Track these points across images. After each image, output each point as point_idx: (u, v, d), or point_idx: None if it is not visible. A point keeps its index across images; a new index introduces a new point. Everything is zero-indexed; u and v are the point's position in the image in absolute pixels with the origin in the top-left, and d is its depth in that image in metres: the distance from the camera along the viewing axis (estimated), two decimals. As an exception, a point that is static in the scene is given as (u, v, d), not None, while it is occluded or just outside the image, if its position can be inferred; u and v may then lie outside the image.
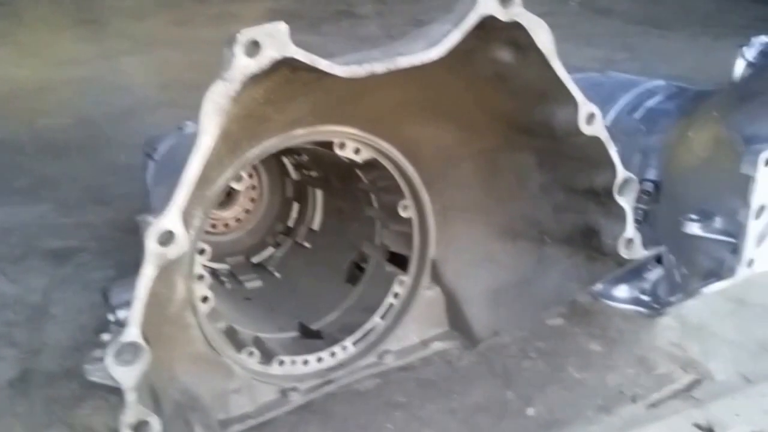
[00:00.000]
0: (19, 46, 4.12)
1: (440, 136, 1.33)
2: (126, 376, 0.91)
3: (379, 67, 1.00)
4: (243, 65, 0.91)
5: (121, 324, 1.36)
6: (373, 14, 4.95)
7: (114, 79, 3.46)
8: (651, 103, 1.92)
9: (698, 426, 1.31)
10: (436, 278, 1.45)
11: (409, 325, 1.44)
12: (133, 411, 0.91)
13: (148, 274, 0.91)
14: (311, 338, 1.44)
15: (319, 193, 1.71)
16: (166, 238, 0.92)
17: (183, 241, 0.92)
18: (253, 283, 1.64)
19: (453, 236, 1.42)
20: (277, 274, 1.67)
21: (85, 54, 3.95)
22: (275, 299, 1.57)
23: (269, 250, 1.76)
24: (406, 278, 1.45)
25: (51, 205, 2.10)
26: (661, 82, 2.03)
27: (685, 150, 1.74)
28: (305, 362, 1.36)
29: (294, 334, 1.45)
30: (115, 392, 1.30)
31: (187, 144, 1.10)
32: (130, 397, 0.91)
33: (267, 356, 1.33)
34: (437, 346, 1.45)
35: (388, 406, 1.35)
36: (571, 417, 1.33)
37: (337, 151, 1.34)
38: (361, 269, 1.55)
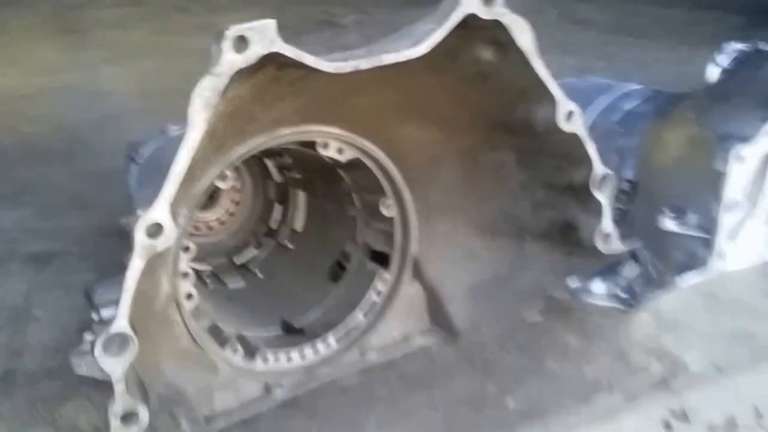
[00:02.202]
0: (1, 55, 4.11)
1: (422, 135, 1.36)
2: (115, 366, 0.93)
3: (364, 63, 1.03)
4: (231, 60, 0.93)
5: (106, 322, 1.38)
6: (355, 24, 4.99)
7: (96, 87, 3.46)
8: (628, 105, 1.97)
9: (673, 413, 1.34)
10: (418, 275, 1.48)
11: (391, 322, 1.46)
12: (122, 401, 0.93)
13: (136, 266, 0.93)
14: (294, 335, 1.46)
15: (301, 195, 1.73)
16: (155, 230, 0.94)
17: (171, 234, 0.95)
18: (236, 284, 1.66)
19: (434, 234, 1.45)
20: (260, 275, 1.69)
21: (67, 63, 3.95)
22: (258, 298, 1.59)
23: (252, 251, 1.77)
24: (388, 275, 1.47)
25: (32, 210, 2.10)
26: (637, 86, 2.09)
27: (661, 150, 1.79)
28: (288, 358, 1.37)
29: (277, 331, 1.47)
30: (99, 391, 1.32)
31: (174, 144, 1.12)
32: (119, 387, 0.93)
33: (250, 352, 1.34)
34: (419, 341, 1.48)
35: (371, 401, 1.36)
36: (550, 407, 1.36)
37: (321, 151, 1.37)
38: (344, 268, 1.58)
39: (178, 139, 1.05)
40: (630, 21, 5.10)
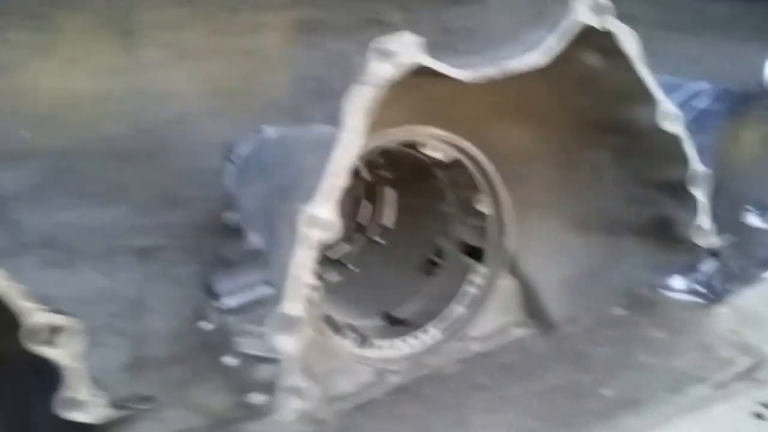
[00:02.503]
0: (65, 57, 4.26)
1: (520, 134, 1.44)
2: (291, 345, 1.03)
3: (492, 72, 1.11)
4: (379, 71, 1.03)
5: (231, 311, 1.50)
6: (402, 22, 5.06)
7: (161, 88, 3.58)
8: (698, 103, 2.03)
9: (763, 404, 1.41)
10: (513, 269, 1.56)
11: (488, 313, 1.54)
12: (295, 377, 1.03)
13: (302, 254, 1.03)
14: (397, 325, 1.55)
15: (391, 192, 1.82)
16: (315, 222, 1.04)
17: (331, 226, 1.04)
18: (333, 278, 1.75)
19: (529, 228, 1.53)
20: (354, 269, 1.78)
21: (130, 64, 4.07)
22: (357, 291, 1.68)
23: (344, 247, 1.86)
24: (483, 269, 1.56)
25: (127, 207, 2.21)
26: (705, 85, 2.14)
27: (737, 148, 1.86)
28: (395, 347, 1.47)
29: (381, 322, 1.56)
30: (225, 374, 1.43)
31: (295, 145, 1.22)
32: (294, 364, 1.03)
33: (362, 340, 1.44)
34: (515, 332, 1.56)
35: (474, 388, 1.45)
36: (644, 397, 1.43)
37: (420, 151, 1.46)
38: (435, 262, 1.66)
39: (301, 142, 1.15)
40: (673, 16, 5.09)
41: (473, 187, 1.52)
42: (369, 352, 1.43)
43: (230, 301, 1.47)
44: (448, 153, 1.46)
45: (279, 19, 5.45)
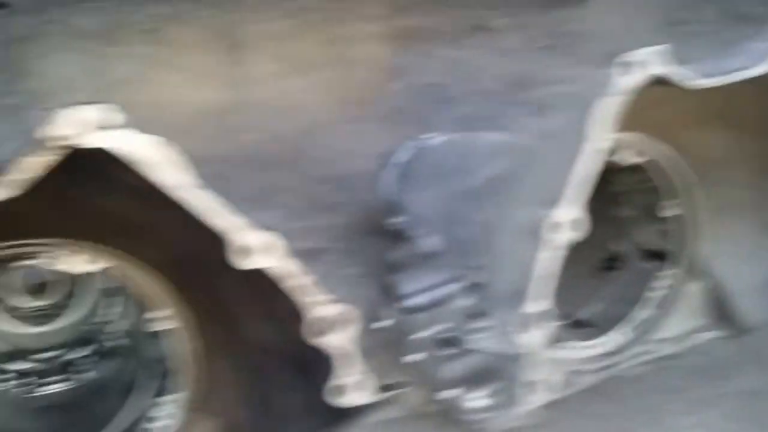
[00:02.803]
0: (187, 70, 4.44)
1: (718, 138, 1.43)
2: (537, 340, 1.06)
3: (727, 79, 1.12)
4: (624, 83, 1.05)
5: (418, 310, 1.53)
6: (510, 28, 5.04)
7: (285, 99, 3.67)
8: None
9: None
10: (702, 272, 1.53)
11: (675, 317, 1.52)
12: (540, 370, 1.06)
13: (547, 256, 1.06)
14: (581, 327, 1.55)
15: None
16: (561, 227, 1.07)
17: (580, 225, 1.10)
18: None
19: (721, 232, 1.50)
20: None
21: (249, 76, 4.20)
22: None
23: None
24: (669, 273, 1.53)
25: (281, 211, 2.29)
26: None
27: None
28: (582, 348, 1.47)
29: (564, 323, 1.56)
30: (414, 369, 1.45)
31: (470, 153, 1.25)
32: (539, 359, 1.05)
33: (551, 341, 1.44)
34: (703, 336, 1.53)
35: (665, 390, 1.44)
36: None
37: (610, 157, 1.45)
38: (612, 267, 1.65)
39: (473, 150, 1.16)
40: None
41: (659, 191, 1.50)
42: (557, 353, 1.43)
43: (417, 301, 1.50)
44: (639, 157, 1.45)
45: (386, 28, 5.51)
